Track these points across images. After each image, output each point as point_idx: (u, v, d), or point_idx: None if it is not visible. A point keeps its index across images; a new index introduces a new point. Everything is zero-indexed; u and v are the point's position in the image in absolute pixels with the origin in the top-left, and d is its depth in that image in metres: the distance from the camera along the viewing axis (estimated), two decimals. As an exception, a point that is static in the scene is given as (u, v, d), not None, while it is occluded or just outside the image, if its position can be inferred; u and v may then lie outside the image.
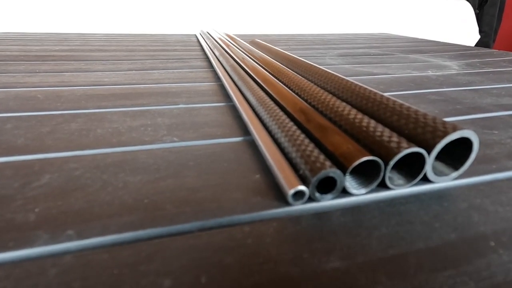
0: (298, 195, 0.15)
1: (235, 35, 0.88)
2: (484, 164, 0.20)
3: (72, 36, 0.76)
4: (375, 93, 0.23)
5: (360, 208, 0.15)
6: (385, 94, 0.34)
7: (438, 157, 0.19)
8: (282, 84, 0.29)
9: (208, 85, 0.37)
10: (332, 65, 0.51)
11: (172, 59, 0.52)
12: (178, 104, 0.30)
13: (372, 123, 0.19)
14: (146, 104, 0.29)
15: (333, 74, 0.29)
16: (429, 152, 0.16)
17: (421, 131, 0.17)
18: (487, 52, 0.67)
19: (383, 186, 0.17)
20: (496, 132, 0.25)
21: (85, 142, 0.21)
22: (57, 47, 0.59)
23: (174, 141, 0.22)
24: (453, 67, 0.52)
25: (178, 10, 1.10)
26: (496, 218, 0.15)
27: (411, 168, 0.17)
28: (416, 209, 0.15)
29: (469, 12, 1.37)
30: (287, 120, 0.21)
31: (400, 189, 0.17)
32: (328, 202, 0.16)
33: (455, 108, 0.31)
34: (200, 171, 0.18)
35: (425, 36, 1.23)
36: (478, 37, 1.35)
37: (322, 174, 0.15)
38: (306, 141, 0.18)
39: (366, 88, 0.24)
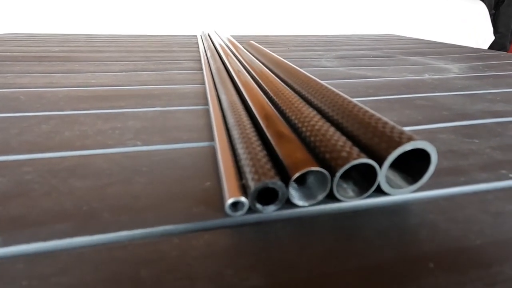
0: (238, 205, 0.15)
1: (238, 35, 0.87)
2: (452, 176, 0.19)
3: (74, 37, 0.77)
4: (344, 99, 0.22)
5: (303, 221, 0.15)
6: (368, 98, 0.33)
7: (400, 168, 0.18)
8: (258, 89, 0.29)
9: (193, 87, 0.37)
10: (327, 68, 0.50)
11: (166, 60, 0.52)
12: (155, 107, 0.30)
13: (331, 130, 0.18)
14: (124, 107, 0.29)
15: (310, 78, 0.28)
16: (381, 163, 0.15)
17: (377, 141, 0.16)
18: (494, 54, 0.64)
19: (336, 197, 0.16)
20: (477, 141, 0.24)
21: (48, 145, 0.21)
22: (57, 48, 0.60)
23: (137, 145, 0.22)
24: (453, 70, 0.50)
25: (184, 11, 1.11)
26: (444, 237, 0.14)
27: (367, 179, 0.17)
28: (362, 223, 0.15)
29: (484, 13, 1.32)
30: (249, 125, 0.21)
31: (352, 201, 0.16)
32: (271, 213, 0.15)
33: (440, 114, 0.29)
34: (152, 177, 0.18)
35: (437, 37, 1.20)
36: (492, 38, 1.30)
37: (260, 184, 0.14)
38: (259, 148, 0.17)
39: (336, 94, 0.23)
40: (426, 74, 0.46)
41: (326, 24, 1.21)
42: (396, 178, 0.17)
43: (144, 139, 0.23)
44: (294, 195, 0.15)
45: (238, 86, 0.31)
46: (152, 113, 0.28)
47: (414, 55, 0.63)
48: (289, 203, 0.15)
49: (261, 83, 0.31)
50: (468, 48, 0.72)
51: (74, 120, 0.26)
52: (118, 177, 0.18)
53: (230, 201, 0.14)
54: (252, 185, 0.14)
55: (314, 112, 0.21)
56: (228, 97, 0.27)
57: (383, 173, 0.16)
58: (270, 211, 0.15)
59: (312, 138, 0.18)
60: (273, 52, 0.64)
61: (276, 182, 0.14)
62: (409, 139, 0.16)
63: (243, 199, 0.14)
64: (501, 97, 0.35)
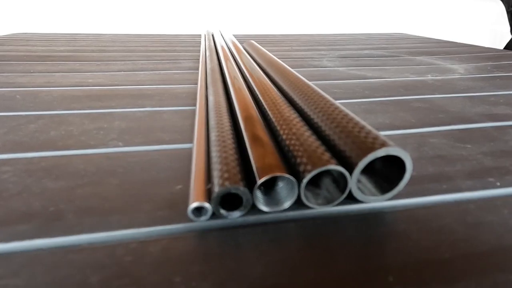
0: (203, 210, 0.14)
1: (244, 35, 0.87)
2: (435, 183, 0.18)
3: (81, 36, 0.79)
4: (326, 102, 0.21)
5: (267, 228, 0.14)
6: (363, 100, 0.32)
7: (378, 175, 0.17)
8: (246, 90, 0.28)
9: (187, 87, 0.37)
10: (327, 68, 0.49)
11: (166, 60, 0.52)
12: (145, 107, 0.30)
13: (306, 134, 0.18)
14: (114, 107, 0.30)
15: (299, 79, 0.28)
16: (352, 170, 0.15)
17: (350, 147, 0.16)
18: (505, 54, 0.62)
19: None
20: (469, 146, 0.23)
21: (31, 145, 0.22)
22: (62, 47, 0.61)
23: (118, 146, 0.22)
24: (458, 70, 0.48)
25: (193, 10, 1.12)
26: (412, 249, 0.13)
27: (339, 186, 0.16)
28: (328, 232, 0.14)
29: (501, 12, 1.27)
30: (228, 128, 0.21)
31: (322, 208, 0.16)
32: (236, 219, 0.15)
33: (436, 117, 0.28)
34: (125, 179, 0.18)
35: (453, 37, 1.16)
36: (509, 37, 1.25)
37: (223, 189, 0.14)
38: (231, 152, 0.17)
39: (320, 96, 0.23)
40: (428, 75, 0.45)
41: (340, 23, 1.19)
42: (371, 185, 0.16)
43: (127, 140, 0.23)
44: (261, 200, 0.15)
45: (228, 86, 0.30)
46: (140, 113, 0.28)
47: (420, 55, 0.61)
48: (257, 209, 0.15)
49: (251, 83, 0.30)
50: (479, 48, 0.70)
51: (62, 120, 0.26)
52: (91, 178, 0.18)
53: (192, 205, 0.14)
54: (215, 190, 0.14)
55: (295, 115, 0.21)
56: (215, 97, 0.27)
57: (354, 180, 0.15)
58: (235, 217, 0.15)
59: (287, 142, 0.18)
60: (275, 52, 0.63)
61: (239, 188, 0.14)
62: (382, 145, 0.15)
63: (206, 204, 0.14)
64: (504, 99, 0.34)
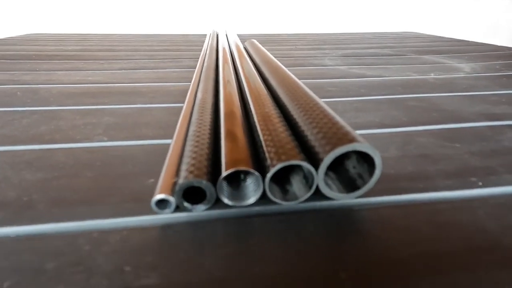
0: (167, 203, 0.15)
1: (250, 34, 0.87)
2: (411, 182, 0.17)
3: (91, 36, 0.81)
4: (307, 98, 0.21)
5: (229, 222, 0.14)
6: (357, 98, 0.31)
7: (351, 173, 0.17)
8: (235, 87, 0.28)
9: (182, 85, 0.37)
10: (327, 66, 0.48)
11: (168, 58, 0.53)
12: (136, 104, 0.30)
13: (281, 130, 0.18)
14: (106, 103, 0.30)
15: (288, 77, 0.28)
16: (318, 165, 0.15)
17: (320, 143, 0.16)
18: (518, 53, 0.59)
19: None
20: (458, 145, 0.22)
21: (20, 138, 0.22)
22: (71, 47, 0.63)
23: (102, 141, 0.22)
24: (464, 69, 0.46)
25: (203, 10, 1.13)
26: (372, 247, 0.13)
27: (308, 181, 0.16)
28: (288, 228, 0.14)
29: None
30: (208, 123, 0.21)
31: (289, 204, 0.15)
32: (202, 213, 0.15)
33: (429, 116, 0.27)
34: (101, 172, 0.18)
35: (471, 36, 1.12)
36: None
37: (186, 182, 0.14)
38: (204, 146, 0.17)
39: (305, 93, 0.22)
40: (431, 74, 0.43)
41: (354, 23, 1.17)
42: (342, 183, 0.16)
43: (112, 135, 0.23)
44: (226, 194, 0.15)
45: (219, 84, 0.30)
46: (130, 109, 0.29)
47: (427, 54, 0.59)
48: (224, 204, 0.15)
49: (243, 81, 0.30)
50: (492, 46, 0.67)
51: (55, 115, 0.27)
52: (69, 171, 0.18)
53: (155, 198, 0.14)
54: (179, 184, 0.14)
55: (275, 111, 0.21)
56: (203, 95, 0.27)
57: (321, 176, 0.15)
58: (199, 210, 0.15)
59: (261, 138, 0.18)
60: (279, 50, 0.63)
61: (201, 181, 0.14)
62: (350, 141, 0.15)
63: (168, 197, 0.14)
64: (506, 98, 0.32)
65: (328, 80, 0.40)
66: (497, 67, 0.48)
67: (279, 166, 0.14)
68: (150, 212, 0.15)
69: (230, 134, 0.18)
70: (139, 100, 0.31)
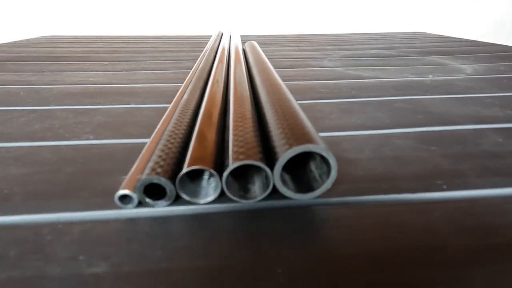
0: (131, 199, 0.15)
1: (255, 35, 0.88)
2: (374, 183, 0.18)
3: (100, 38, 0.83)
4: (282, 99, 0.21)
5: (188, 218, 0.15)
6: (345, 100, 0.31)
7: (312, 173, 0.17)
8: (221, 89, 0.29)
9: (177, 86, 0.38)
10: (324, 68, 0.48)
11: (169, 60, 0.55)
12: (129, 104, 0.31)
13: (248, 130, 0.18)
14: (101, 103, 0.32)
15: (274, 78, 0.28)
16: (273, 165, 0.15)
17: (278, 143, 0.16)
18: (528, 53, 0.57)
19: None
20: (434, 148, 0.22)
21: (14, 135, 0.24)
22: (80, 48, 0.66)
23: (88, 139, 0.23)
24: (466, 71, 0.45)
25: (209, 12, 1.15)
26: (317, 245, 0.13)
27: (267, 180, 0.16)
28: (241, 224, 0.14)
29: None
30: (186, 124, 0.22)
31: (248, 202, 0.16)
32: (165, 208, 0.16)
33: (414, 118, 0.27)
34: (80, 169, 0.19)
35: (485, 37, 1.09)
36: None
37: (146, 179, 0.15)
38: (173, 145, 0.18)
39: (282, 93, 0.23)
40: (430, 75, 0.43)
41: (365, 23, 1.16)
42: (300, 184, 0.17)
43: (99, 133, 0.25)
44: (187, 191, 0.16)
45: (207, 85, 0.31)
46: (123, 109, 0.30)
47: (431, 55, 0.58)
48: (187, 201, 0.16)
49: (231, 82, 0.31)
50: (500, 47, 0.65)
51: (50, 114, 0.29)
52: (51, 167, 0.19)
53: (118, 193, 0.15)
54: (141, 180, 0.15)
55: (251, 111, 0.21)
56: (189, 96, 0.28)
57: (277, 176, 0.15)
58: (161, 206, 0.16)
59: (231, 137, 0.18)
60: (280, 52, 0.63)
61: (160, 178, 0.15)
62: (308, 142, 0.15)
63: (130, 192, 0.15)
64: (500, 101, 0.32)
65: (321, 82, 0.40)
66: (502, 68, 0.47)
67: (235, 165, 0.15)
68: (116, 207, 0.16)
69: (201, 134, 0.19)
70: (133, 100, 0.32)
